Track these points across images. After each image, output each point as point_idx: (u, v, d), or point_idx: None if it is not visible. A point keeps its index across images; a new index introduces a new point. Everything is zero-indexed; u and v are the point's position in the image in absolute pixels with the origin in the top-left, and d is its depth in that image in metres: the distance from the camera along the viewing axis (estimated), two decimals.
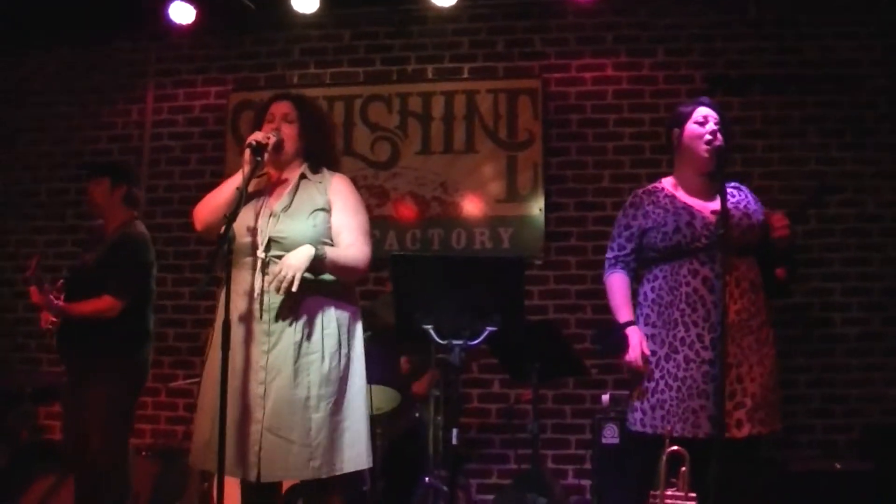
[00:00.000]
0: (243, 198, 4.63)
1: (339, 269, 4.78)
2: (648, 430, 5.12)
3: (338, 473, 4.75)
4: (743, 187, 5.37)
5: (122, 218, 6.77)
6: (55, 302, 6.31)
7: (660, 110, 8.58)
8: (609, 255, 5.45)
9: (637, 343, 5.14)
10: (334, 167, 5.14)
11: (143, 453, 7.93)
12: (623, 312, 5.29)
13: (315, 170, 5.02)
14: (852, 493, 6.90)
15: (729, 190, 5.14)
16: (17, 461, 7.85)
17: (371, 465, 4.98)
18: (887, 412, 8.04)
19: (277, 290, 4.55)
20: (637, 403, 5.20)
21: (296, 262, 4.56)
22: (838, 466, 7.11)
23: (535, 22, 8.98)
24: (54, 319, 6.46)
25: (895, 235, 8.27)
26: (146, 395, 8.66)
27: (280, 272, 4.53)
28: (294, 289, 4.54)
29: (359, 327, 4.99)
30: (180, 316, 9.01)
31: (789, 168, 8.34)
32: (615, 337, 5.26)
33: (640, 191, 5.44)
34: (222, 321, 4.51)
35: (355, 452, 4.82)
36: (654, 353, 5.14)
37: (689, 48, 8.73)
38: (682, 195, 5.27)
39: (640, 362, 5.12)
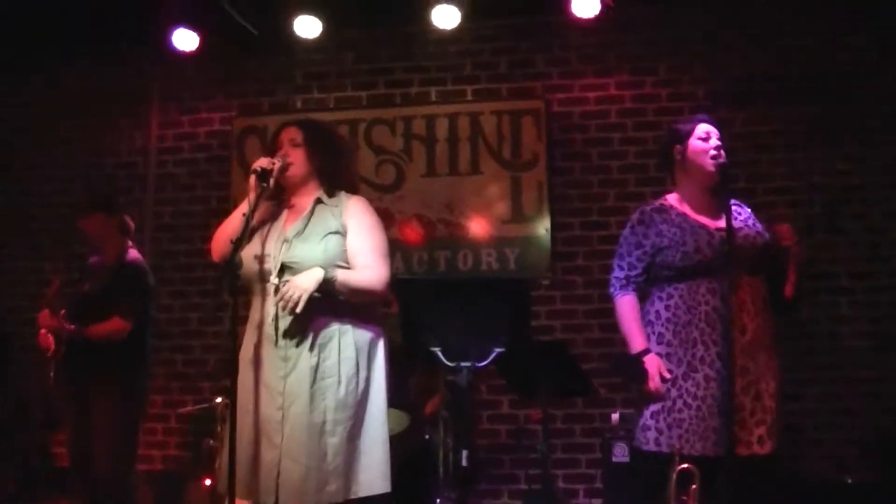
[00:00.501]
0: (249, 224, 4.63)
1: (352, 291, 4.69)
2: (665, 448, 5.03)
3: (353, 497, 4.69)
4: (744, 206, 5.36)
5: (119, 247, 6.94)
6: (67, 326, 6.43)
7: (663, 128, 8.56)
8: (618, 274, 5.35)
9: (656, 372, 5.06)
10: (351, 190, 5.07)
11: (154, 477, 7.96)
12: (637, 340, 5.19)
13: (332, 193, 4.97)
14: None
15: (733, 208, 5.12)
16: (26, 487, 7.88)
17: (388, 489, 4.85)
18: None
19: (283, 309, 4.53)
20: (651, 422, 5.11)
21: (303, 283, 4.52)
22: (849, 480, 7.11)
23: (537, 42, 9.00)
24: (53, 347, 6.60)
25: None
26: (155, 422, 8.68)
27: (287, 292, 4.50)
28: (299, 310, 4.50)
29: (380, 350, 4.89)
30: (188, 342, 9.02)
31: (794, 183, 8.34)
32: (633, 366, 5.22)
33: (648, 208, 5.34)
34: (231, 346, 4.51)
35: (371, 477, 4.74)
36: (670, 371, 5.07)
37: (690, 65, 8.75)
38: (690, 212, 5.22)
39: (662, 390, 5.05)
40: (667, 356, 5.10)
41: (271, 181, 4.77)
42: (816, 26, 8.61)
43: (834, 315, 8.27)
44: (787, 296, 5.18)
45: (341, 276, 4.63)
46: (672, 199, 5.34)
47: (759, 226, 5.22)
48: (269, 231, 4.84)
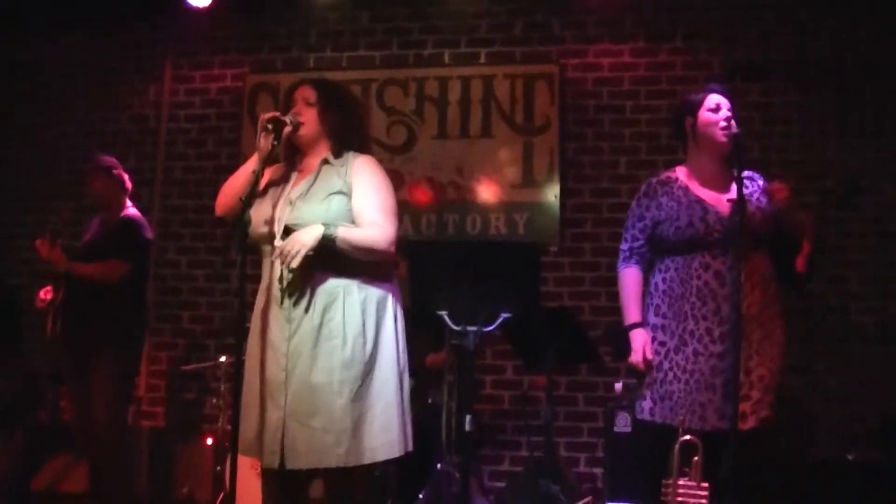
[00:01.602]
0: (258, 180, 4.61)
1: (355, 248, 4.63)
2: (658, 419, 5.14)
3: (367, 462, 4.65)
4: (756, 176, 5.34)
5: (122, 205, 7.18)
6: (66, 261, 6.58)
7: (677, 97, 8.51)
8: (623, 246, 5.44)
9: (640, 347, 5.17)
10: (362, 151, 5.00)
11: (157, 434, 7.99)
12: (631, 312, 5.30)
13: (339, 154, 4.91)
14: (867, 483, 6.87)
15: (745, 180, 5.11)
16: (34, 442, 7.92)
17: (403, 452, 4.81)
18: None
19: (282, 263, 4.51)
20: (647, 392, 5.21)
21: (302, 238, 4.48)
22: (850, 457, 7.09)
23: (555, 5, 8.95)
24: (49, 297, 6.81)
25: None
26: (159, 378, 8.68)
27: (285, 246, 4.47)
28: (295, 265, 4.46)
29: (390, 309, 4.81)
30: (194, 298, 9.02)
31: (807, 156, 8.30)
32: (621, 338, 5.27)
33: (654, 180, 5.40)
34: (238, 305, 4.50)
35: (386, 440, 4.69)
36: (663, 343, 5.15)
37: (708, 33, 8.69)
38: (696, 186, 5.24)
39: (641, 366, 5.17)
40: (662, 328, 5.19)
41: (284, 135, 4.75)
42: (837, 6, 8.54)
43: (843, 290, 8.24)
44: (799, 269, 5.18)
45: (343, 232, 4.58)
46: (680, 171, 5.38)
47: (764, 199, 5.20)
48: (280, 193, 4.82)
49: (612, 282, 7.85)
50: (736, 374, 4.71)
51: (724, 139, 5.10)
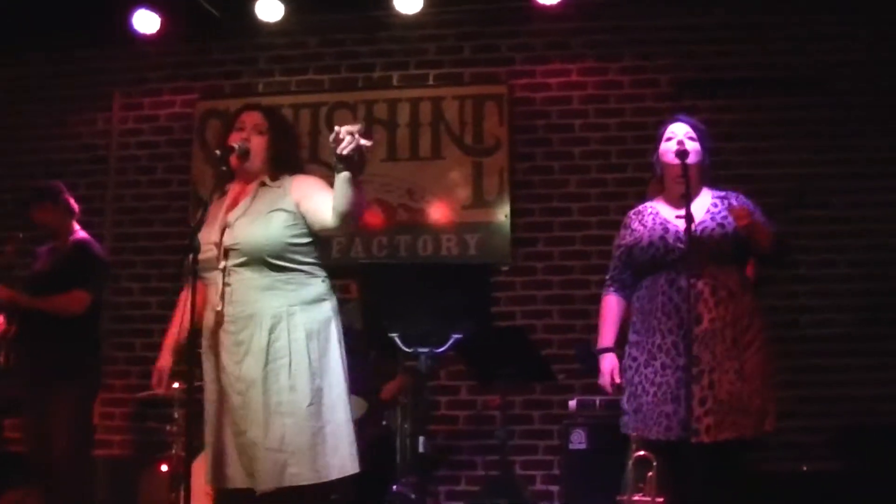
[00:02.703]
0: (208, 206, 4.62)
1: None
2: (632, 431, 5.23)
3: (323, 480, 4.67)
4: (732, 195, 5.41)
5: (69, 229, 7.03)
6: (23, 297, 6.47)
7: (625, 115, 8.63)
8: (606, 275, 5.63)
9: (607, 371, 5.39)
10: (296, 173, 5.02)
11: (112, 463, 7.93)
12: (602, 337, 5.50)
13: (275, 177, 4.94)
14: (821, 494, 6.93)
15: (712, 200, 5.32)
16: None
17: (354, 470, 4.81)
18: (858, 413, 8.07)
19: (342, 150, 4.37)
20: (625, 406, 5.32)
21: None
22: (805, 468, 7.15)
23: (502, 27, 9.00)
24: (1, 329, 6.68)
25: (863, 237, 8.32)
26: (114, 406, 8.64)
27: (340, 132, 4.35)
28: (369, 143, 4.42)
29: (334, 331, 4.85)
30: (147, 326, 8.94)
31: (758, 171, 8.33)
32: (592, 361, 5.42)
33: (632, 211, 5.57)
34: (188, 331, 4.49)
35: (338, 459, 4.72)
36: (635, 358, 5.26)
37: (655, 52, 8.76)
38: (666, 210, 5.35)
39: (609, 389, 5.38)
40: (636, 344, 5.31)
41: (231, 163, 4.77)
42: (784, 22, 8.64)
43: (795, 304, 8.30)
44: (765, 251, 5.25)
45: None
46: (656, 201, 5.53)
47: (729, 218, 5.26)
48: (219, 218, 4.82)
49: (564, 300, 7.97)
50: (688, 388, 4.76)
51: (673, 161, 5.17)
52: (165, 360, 4.98)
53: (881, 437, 7.74)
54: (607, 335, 5.48)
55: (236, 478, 4.62)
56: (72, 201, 7.10)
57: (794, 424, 8.04)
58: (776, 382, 7.59)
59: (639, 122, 8.57)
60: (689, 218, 4.89)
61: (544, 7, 8.58)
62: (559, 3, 8.48)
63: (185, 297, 4.88)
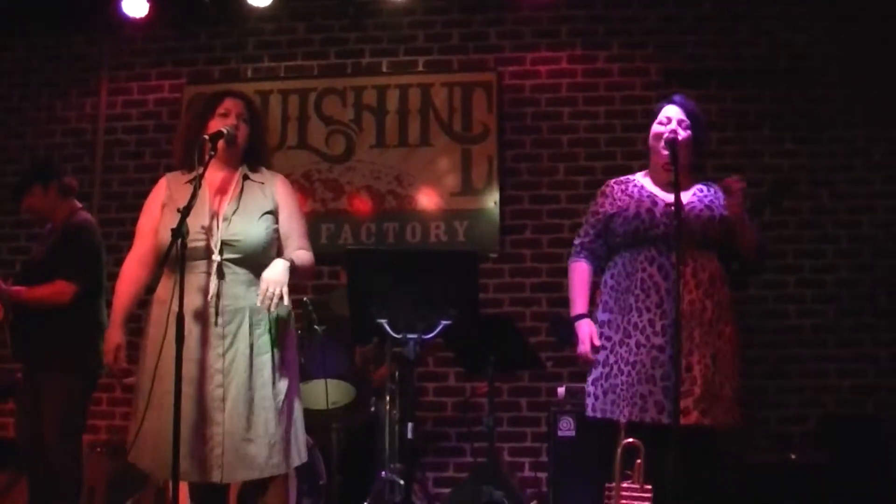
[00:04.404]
0: (198, 191, 4.61)
1: (302, 272, 4.90)
2: (599, 414, 5.18)
3: (293, 466, 4.91)
4: (714, 186, 5.40)
5: (65, 210, 6.83)
6: (7, 288, 6.37)
7: (614, 103, 8.63)
8: (576, 241, 5.54)
9: (586, 336, 5.25)
10: (268, 165, 5.19)
11: (98, 449, 7.89)
12: (577, 304, 5.38)
13: (254, 168, 5.06)
14: (808, 484, 6.94)
15: (699, 186, 5.33)
16: None
17: (306, 459, 5.07)
18: (842, 403, 8.11)
19: (269, 308, 4.62)
20: (591, 389, 5.26)
21: (278, 276, 4.64)
22: (793, 457, 7.17)
23: (491, 15, 9.00)
24: (1, 316, 6.51)
25: (848, 227, 8.36)
26: (101, 392, 8.61)
27: (267, 290, 4.58)
28: (286, 302, 4.66)
29: (291, 324, 5.06)
30: (134, 311, 8.92)
31: (744, 161, 8.37)
32: (568, 329, 5.33)
33: (613, 181, 5.51)
34: (176, 315, 4.47)
35: (300, 446, 4.94)
36: (609, 338, 5.21)
37: (644, 41, 8.78)
38: (650, 185, 5.35)
39: (589, 356, 5.23)
40: (608, 323, 5.26)
41: (219, 147, 4.78)
42: (771, 13, 8.68)
43: (781, 294, 8.33)
44: (745, 254, 5.26)
45: (296, 260, 4.81)
46: (640, 174, 5.50)
47: (716, 203, 5.26)
48: (204, 207, 4.83)
49: (552, 288, 7.96)
50: (677, 371, 4.74)
51: (664, 151, 5.17)
52: (118, 335, 4.97)
53: (866, 427, 7.77)
54: (581, 301, 5.38)
55: (208, 469, 4.65)
56: (68, 181, 6.91)
57: (780, 414, 8.09)
58: (761, 372, 7.64)
59: (627, 110, 8.60)
60: (678, 204, 4.88)
61: None
62: None
63: (130, 272, 5.09)
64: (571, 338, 5.35)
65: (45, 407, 6.42)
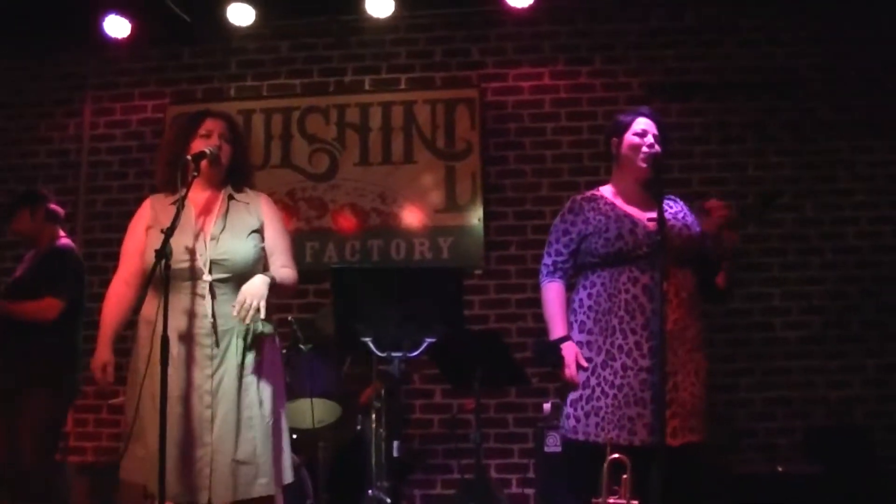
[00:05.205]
0: (181, 211, 4.60)
1: (284, 289, 4.92)
2: (581, 437, 5.08)
3: (281, 486, 4.90)
4: (678, 200, 5.38)
5: (49, 235, 7.00)
6: None
7: (597, 118, 8.62)
8: (547, 261, 5.43)
9: (572, 360, 5.13)
10: (251, 185, 5.21)
11: (84, 471, 7.88)
12: (557, 327, 5.26)
13: (238, 188, 5.08)
14: (796, 495, 6.94)
15: (666, 202, 5.19)
16: None
17: (292, 479, 5.08)
18: (829, 414, 8.12)
19: (244, 320, 4.61)
20: (570, 410, 5.17)
21: (257, 290, 4.66)
22: (780, 469, 7.17)
23: (474, 32, 9.01)
24: None
25: (833, 239, 8.38)
26: (87, 413, 8.60)
27: (245, 301, 4.59)
28: (262, 315, 4.65)
29: (277, 344, 5.08)
30: (122, 332, 8.90)
31: (728, 174, 8.40)
32: (552, 353, 5.26)
33: (579, 197, 5.39)
34: (160, 336, 4.46)
35: (287, 468, 4.96)
36: (589, 360, 5.11)
37: (626, 56, 8.79)
38: (621, 203, 5.25)
39: (576, 378, 5.12)
40: (587, 344, 5.15)
41: (202, 167, 4.79)
42: (754, 25, 8.71)
43: (766, 306, 8.35)
44: (719, 285, 5.25)
45: (278, 277, 4.83)
46: (605, 189, 5.38)
47: (689, 219, 5.25)
48: (189, 227, 4.84)
49: (537, 303, 7.89)
50: (663, 389, 4.74)
51: (643, 165, 5.13)
52: (107, 353, 4.99)
53: (854, 437, 7.78)
54: (562, 323, 5.25)
55: (195, 490, 4.64)
56: (54, 207, 7.05)
57: (767, 426, 8.10)
58: (747, 384, 7.65)
59: None
60: (661, 220, 4.86)
61: (515, 11, 8.61)
62: (530, 7, 8.52)
63: (118, 292, 5.08)
64: (555, 362, 5.29)
65: (24, 427, 6.48)
